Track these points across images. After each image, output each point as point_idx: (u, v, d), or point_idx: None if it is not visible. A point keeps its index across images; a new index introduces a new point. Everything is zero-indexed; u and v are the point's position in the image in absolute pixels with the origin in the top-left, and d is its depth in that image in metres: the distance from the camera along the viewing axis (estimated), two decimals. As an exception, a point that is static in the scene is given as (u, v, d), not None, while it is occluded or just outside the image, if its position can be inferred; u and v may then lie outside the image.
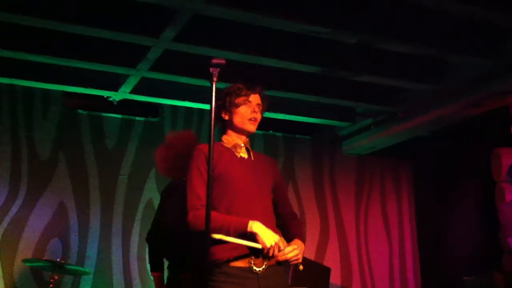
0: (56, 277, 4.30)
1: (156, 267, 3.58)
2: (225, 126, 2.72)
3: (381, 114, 5.72)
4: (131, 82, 4.90)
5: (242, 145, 2.68)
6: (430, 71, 4.92)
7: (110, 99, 5.31)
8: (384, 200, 6.75)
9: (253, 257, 2.45)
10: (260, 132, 6.21)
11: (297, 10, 3.78)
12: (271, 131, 6.22)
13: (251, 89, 2.70)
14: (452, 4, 3.61)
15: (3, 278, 4.95)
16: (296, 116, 5.78)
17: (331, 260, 6.14)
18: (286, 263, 2.50)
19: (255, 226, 2.39)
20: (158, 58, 4.38)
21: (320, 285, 4.55)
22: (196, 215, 2.47)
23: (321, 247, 6.25)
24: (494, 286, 3.55)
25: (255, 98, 2.70)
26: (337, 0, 3.89)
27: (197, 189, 2.51)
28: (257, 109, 2.67)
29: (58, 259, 4.31)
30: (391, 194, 6.80)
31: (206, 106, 5.49)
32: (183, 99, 5.26)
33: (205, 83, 4.89)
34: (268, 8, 3.69)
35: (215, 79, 2.25)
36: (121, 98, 5.30)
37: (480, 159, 5.69)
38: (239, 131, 2.68)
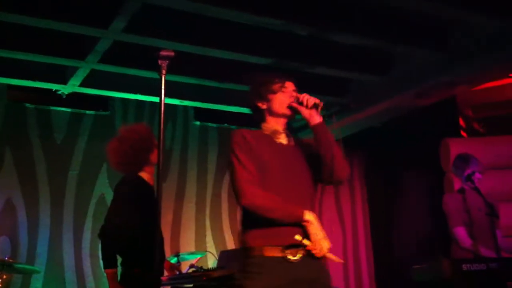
0: (4, 277, 4.20)
1: (109, 263, 3.50)
2: (263, 115, 2.66)
3: (334, 106, 5.78)
4: (80, 75, 4.79)
5: (281, 130, 2.63)
6: (378, 62, 5.03)
7: (59, 92, 5.18)
8: (338, 190, 6.84)
9: (287, 246, 2.36)
10: (214, 125, 6.19)
11: (249, 1, 3.78)
12: (226, 124, 6.20)
13: (285, 76, 2.70)
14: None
15: None
16: (248, 109, 5.77)
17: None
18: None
19: (310, 217, 2.45)
20: (108, 49, 4.30)
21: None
22: (253, 192, 2.39)
23: (276, 238, 6.28)
24: (442, 273, 3.64)
25: (290, 85, 2.67)
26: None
27: (247, 165, 2.43)
28: (294, 94, 2.63)
29: (6, 258, 4.23)
30: (344, 184, 6.90)
31: (157, 99, 5.41)
32: (134, 92, 5.19)
33: (156, 75, 4.86)
34: (219, -1, 3.68)
35: (164, 71, 2.19)
36: (70, 91, 5.18)
37: (429, 149, 5.84)
38: (279, 116, 2.63)
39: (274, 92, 2.63)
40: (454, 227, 4.22)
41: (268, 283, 2.31)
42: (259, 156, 2.46)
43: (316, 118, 2.56)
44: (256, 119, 2.70)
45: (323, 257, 2.43)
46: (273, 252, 2.35)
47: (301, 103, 2.55)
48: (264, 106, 2.64)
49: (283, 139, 2.62)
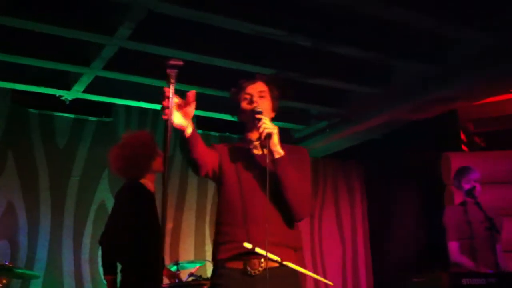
0: (4, 281, 4.17)
1: (109, 270, 3.51)
2: (243, 126, 2.61)
3: (335, 117, 5.81)
4: (84, 81, 4.81)
5: (255, 140, 2.53)
6: (378, 75, 5.06)
7: (62, 98, 5.19)
8: (338, 201, 6.85)
9: (249, 257, 2.33)
10: (216, 134, 6.21)
11: (252, 11, 3.81)
12: (227, 133, 6.22)
13: (249, 80, 2.58)
14: (401, 13, 3.73)
15: None
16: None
17: (285, 261, 6.17)
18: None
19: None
20: (113, 56, 4.32)
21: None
22: None
23: (276, 248, 6.28)
24: (440, 286, 3.64)
25: (254, 88, 2.54)
26: (292, 4, 3.93)
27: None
28: (256, 98, 2.49)
29: (6, 262, 4.18)
30: (344, 195, 6.91)
31: (160, 107, 5.42)
32: (137, 99, 5.20)
33: (160, 83, 4.89)
34: (223, 9, 3.71)
35: (172, 80, 2.19)
36: (74, 97, 5.19)
37: (429, 162, 5.85)
38: (249, 127, 2.54)
39: (239, 103, 2.56)
40: (448, 241, 4.24)
41: None
42: (227, 169, 2.47)
43: (275, 151, 2.37)
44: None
45: (288, 270, 2.37)
46: (235, 264, 2.35)
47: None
48: (239, 117, 2.61)
49: (258, 150, 2.53)
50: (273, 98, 2.59)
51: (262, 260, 2.30)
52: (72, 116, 5.52)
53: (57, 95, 5.15)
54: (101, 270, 3.59)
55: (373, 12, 3.82)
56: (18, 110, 5.33)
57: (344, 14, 4.05)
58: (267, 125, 2.35)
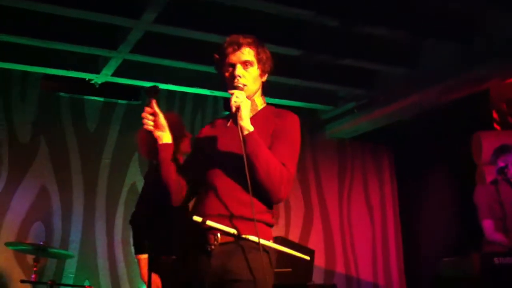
0: (39, 261, 4.30)
1: (140, 249, 3.58)
2: None
3: (363, 98, 5.75)
4: (113, 65, 4.87)
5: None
6: (408, 55, 4.98)
7: (92, 82, 5.27)
8: (367, 183, 6.80)
9: (206, 234, 2.13)
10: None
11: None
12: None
13: (231, 46, 2.24)
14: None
15: (-14, 261, 4.94)
16: (278, 100, 5.79)
17: (315, 243, 6.19)
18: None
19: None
20: (139, 40, 4.36)
21: (304, 267, 4.58)
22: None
23: (305, 230, 6.31)
24: (472, 267, 3.60)
25: (238, 56, 2.24)
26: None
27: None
28: (238, 71, 2.21)
29: (41, 243, 4.30)
30: (373, 177, 6.86)
31: (187, 89, 5.47)
32: (165, 82, 5.25)
33: (186, 65, 4.92)
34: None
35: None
36: (103, 81, 5.27)
37: (460, 143, 5.75)
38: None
39: (222, 72, 2.29)
40: (482, 219, 4.17)
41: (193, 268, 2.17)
42: (203, 144, 2.32)
43: (243, 127, 2.09)
44: None
45: (247, 244, 2.11)
46: (192, 240, 2.20)
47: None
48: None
49: (232, 125, 2.26)
50: (262, 62, 2.29)
51: (219, 234, 2.10)
52: (101, 99, 5.61)
53: (87, 79, 5.24)
54: (132, 249, 3.66)
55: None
56: (49, 95, 5.43)
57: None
58: (237, 98, 2.09)
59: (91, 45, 4.48)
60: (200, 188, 2.24)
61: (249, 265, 2.08)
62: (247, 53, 2.24)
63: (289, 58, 4.78)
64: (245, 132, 2.08)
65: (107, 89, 5.43)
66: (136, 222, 3.65)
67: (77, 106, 5.54)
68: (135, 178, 5.59)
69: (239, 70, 2.22)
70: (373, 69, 5.21)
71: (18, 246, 4.52)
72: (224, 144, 2.25)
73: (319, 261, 6.13)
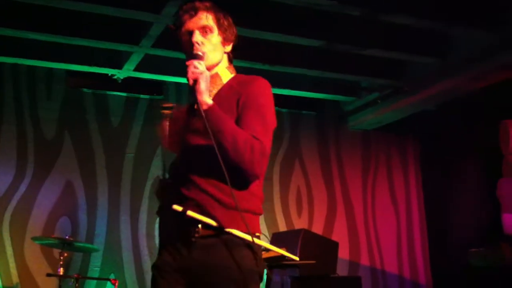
0: (65, 254, 4.36)
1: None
2: None
3: (387, 88, 5.68)
4: (135, 60, 4.89)
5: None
6: (434, 44, 4.89)
7: (115, 77, 5.31)
8: (391, 174, 6.74)
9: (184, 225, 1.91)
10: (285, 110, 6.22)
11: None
12: (276, 108, 6.18)
13: (187, 13, 2.04)
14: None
15: (14, 255, 5.01)
16: (300, 92, 5.76)
17: (339, 235, 6.16)
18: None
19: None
20: (160, 34, 4.36)
21: (328, 259, 4.57)
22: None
23: (329, 222, 6.28)
24: (501, 256, 3.54)
25: (195, 22, 2.03)
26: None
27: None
28: (196, 37, 2.00)
29: (67, 237, 4.35)
30: (397, 168, 6.79)
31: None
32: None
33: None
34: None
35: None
36: (125, 76, 5.29)
37: (487, 132, 5.65)
38: None
39: (180, 41, 2.09)
40: (503, 213, 4.12)
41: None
42: (174, 129, 2.17)
43: (201, 102, 1.87)
44: None
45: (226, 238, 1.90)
46: (172, 235, 1.99)
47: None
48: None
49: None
50: (223, 28, 2.10)
51: (200, 226, 1.88)
52: (124, 94, 5.64)
53: (109, 74, 5.27)
54: (157, 242, 3.67)
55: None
56: (73, 91, 5.48)
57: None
58: (194, 69, 1.89)
59: (113, 40, 4.51)
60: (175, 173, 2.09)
61: (231, 262, 1.87)
62: (205, 18, 2.03)
63: (311, 49, 4.74)
64: (204, 107, 1.87)
65: (129, 84, 5.46)
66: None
67: (100, 101, 5.58)
68: (159, 172, 5.61)
69: (197, 36, 2.00)
70: (398, 59, 5.13)
71: (45, 240, 4.58)
72: (191, 125, 2.04)
73: (343, 254, 6.09)
